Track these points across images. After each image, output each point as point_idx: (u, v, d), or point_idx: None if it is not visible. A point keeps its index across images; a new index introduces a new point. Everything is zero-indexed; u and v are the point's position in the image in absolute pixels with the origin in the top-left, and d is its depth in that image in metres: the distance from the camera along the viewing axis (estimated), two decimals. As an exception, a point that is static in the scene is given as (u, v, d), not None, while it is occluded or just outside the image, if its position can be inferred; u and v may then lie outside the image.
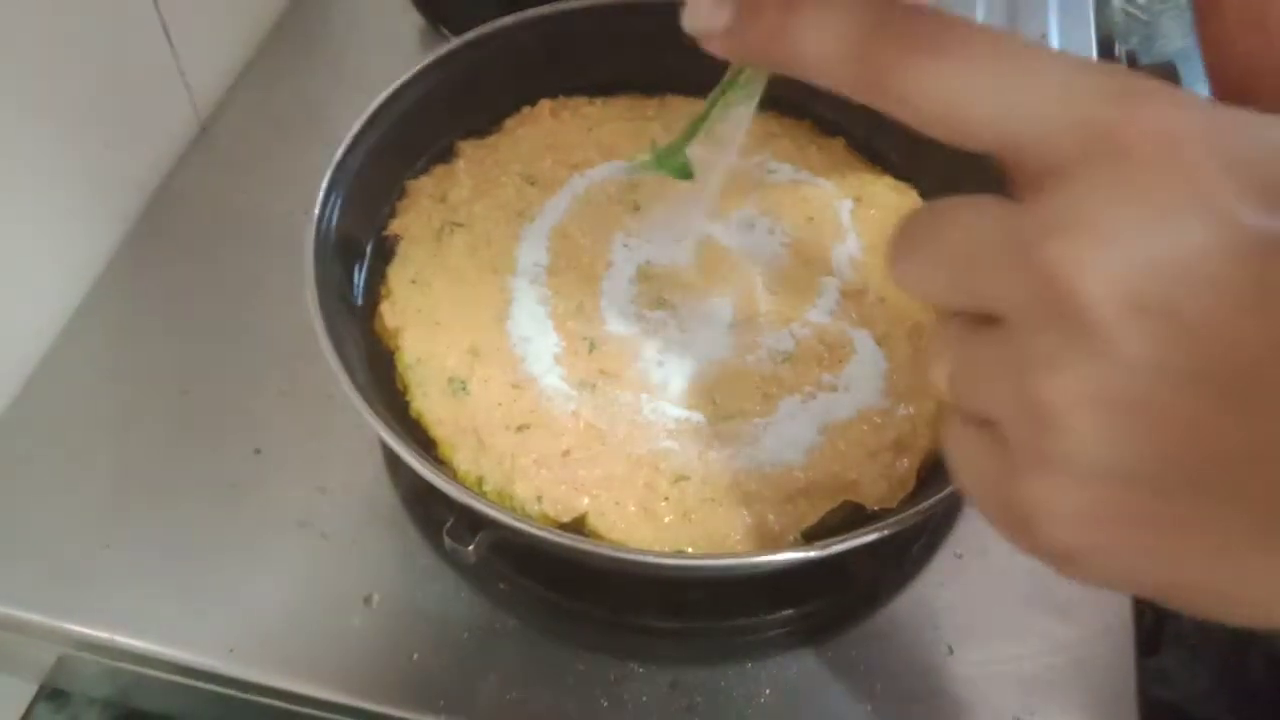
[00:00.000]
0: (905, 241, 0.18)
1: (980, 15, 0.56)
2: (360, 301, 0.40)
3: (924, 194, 0.43)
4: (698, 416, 0.36)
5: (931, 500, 0.31)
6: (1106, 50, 0.52)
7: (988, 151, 0.16)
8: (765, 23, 0.18)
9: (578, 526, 0.34)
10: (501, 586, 0.36)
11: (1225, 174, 0.14)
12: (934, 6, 0.18)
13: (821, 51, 0.17)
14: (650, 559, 0.32)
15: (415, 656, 0.35)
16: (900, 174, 0.44)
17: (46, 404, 0.41)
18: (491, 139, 0.45)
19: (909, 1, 0.18)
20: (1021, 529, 0.17)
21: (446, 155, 0.44)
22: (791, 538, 0.34)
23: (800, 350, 0.38)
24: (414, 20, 0.55)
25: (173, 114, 0.49)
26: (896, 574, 0.37)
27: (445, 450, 0.36)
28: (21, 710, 0.41)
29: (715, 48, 0.20)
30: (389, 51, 0.54)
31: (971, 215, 0.16)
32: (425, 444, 0.36)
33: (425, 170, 0.44)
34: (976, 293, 0.17)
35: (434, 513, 0.37)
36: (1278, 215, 0.14)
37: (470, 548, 0.33)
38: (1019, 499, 0.17)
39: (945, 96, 0.16)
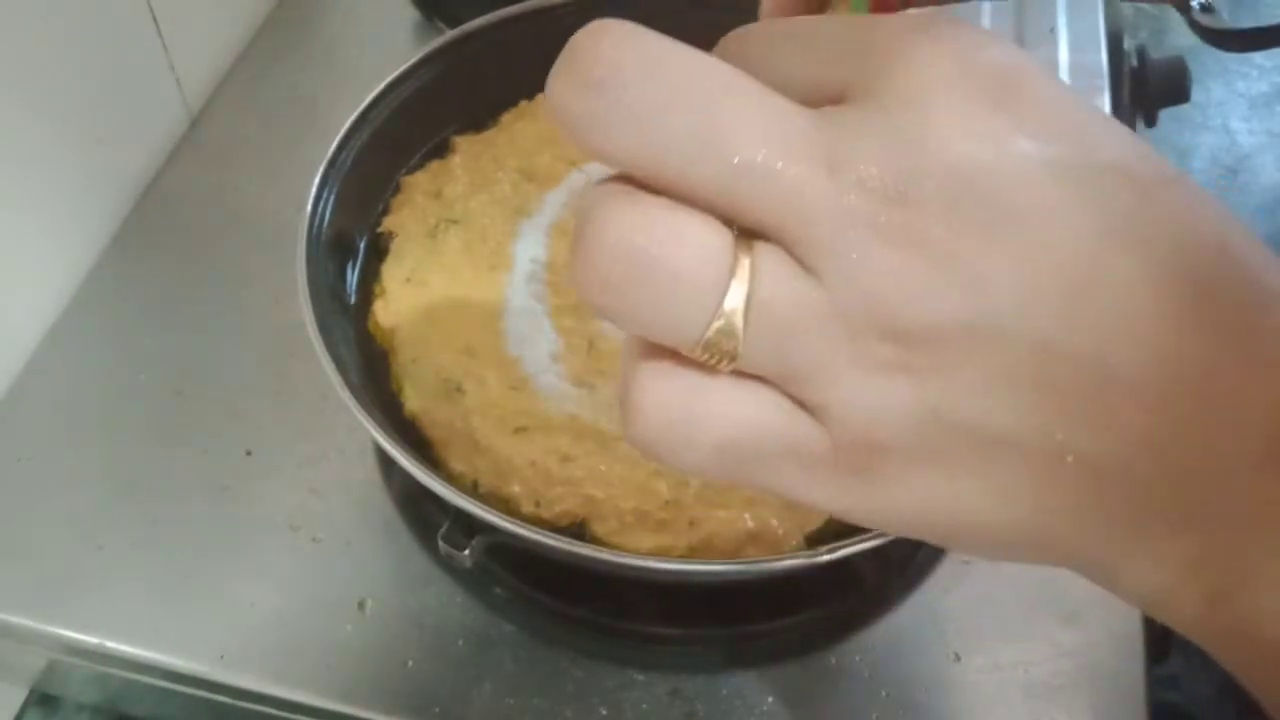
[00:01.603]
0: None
1: (986, 7, 0.55)
2: (354, 300, 0.40)
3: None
4: (698, 417, 0.36)
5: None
6: (1115, 44, 0.52)
7: None
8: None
9: (576, 531, 0.34)
10: (498, 592, 0.36)
11: (992, 105, 0.14)
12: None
13: None
14: (650, 564, 0.31)
15: (409, 663, 0.34)
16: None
17: (35, 404, 0.41)
18: (488, 134, 0.44)
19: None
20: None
21: (442, 150, 0.44)
22: (795, 542, 0.33)
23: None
24: (409, 13, 0.54)
25: (163, 109, 0.49)
26: (902, 579, 0.36)
27: (440, 452, 0.35)
28: (11, 715, 0.40)
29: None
30: (383, 45, 0.53)
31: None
32: (420, 446, 0.35)
33: (420, 166, 0.43)
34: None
35: (429, 516, 0.37)
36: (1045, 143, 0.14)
37: (466, 552, 0.32)
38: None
39: (752, 68, 0.15)
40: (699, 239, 0.14)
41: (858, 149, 0.13)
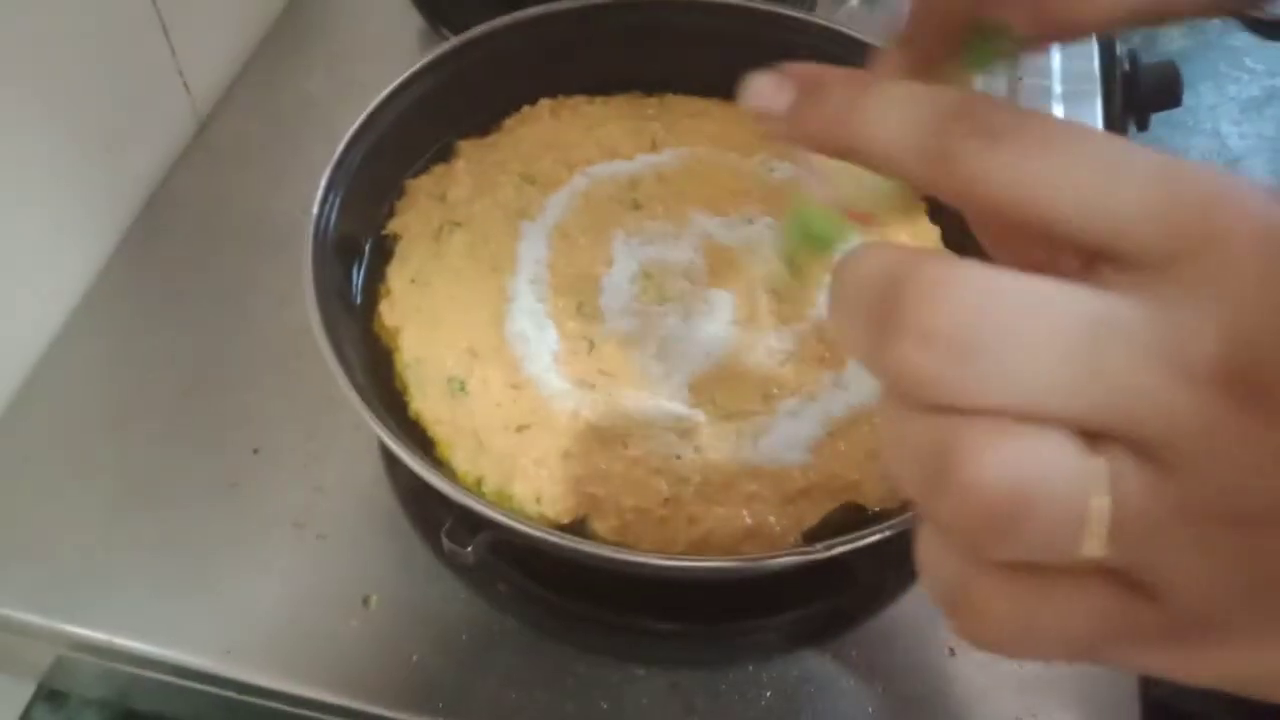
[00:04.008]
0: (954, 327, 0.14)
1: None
2: (359, 301, 0.40)
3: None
4: (698, 416, 0.36)
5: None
6: (1108, 48, 0.52)
7: (1059, 241, 0.15)
8: (829, 107, 0.18)
9: (578, 527, 0.34)
10: (501, 588, 0.36)
11: None
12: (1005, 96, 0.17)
13: (889, 138, 0.16)
14: (651, 560, 0.32)
15: (414, 658, 0.35)
16: (901, 173, 0.44)
17: (44, 404, 0.41)
18: (491, 138, 0.45)
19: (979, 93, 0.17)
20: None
21: (446, 154, 0.44)
22: (793, 539, 0.34)
23: (801, 349, 0.38)
24: (413, 20, 0.55)
25: (171, 113, 0.49)
26: (898, 575, 0.36)
27: (444, 450, 0.36)
28: (19, 711, 0.41)
29: (776, 130, 0.19)
30: (388, 51, 0.54)
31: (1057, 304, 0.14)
32: (424, 444, 0.36)
33: (424, 169, 0.44)
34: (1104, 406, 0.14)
35: (433, 514, 0.37)
36: None
37: (469, 549, 0.33)
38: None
39: (1024, 185, 0.15)
40: (1070, 465, 0.14)
41: (1202, 347, 0.14)
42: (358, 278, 0.41)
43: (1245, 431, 0.14)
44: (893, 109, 0.16)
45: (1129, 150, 0.15)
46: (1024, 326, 0.14)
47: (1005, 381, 0.14)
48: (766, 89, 0.19)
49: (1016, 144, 0.15)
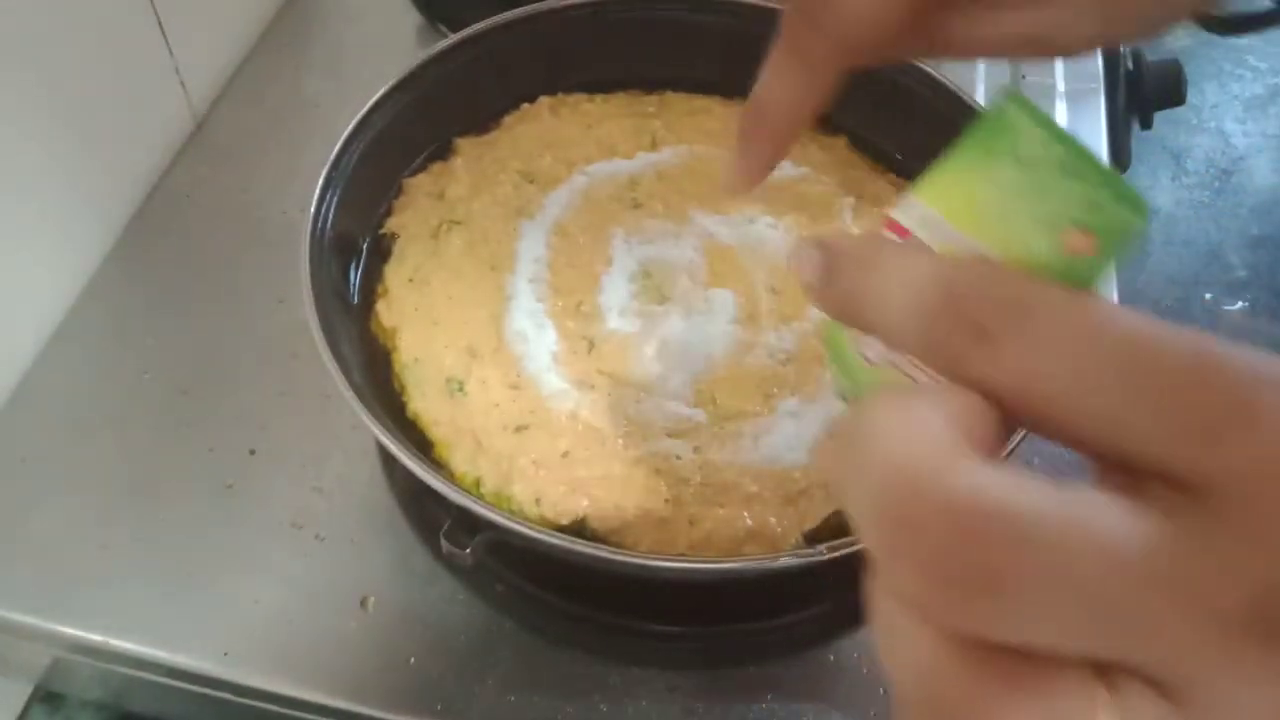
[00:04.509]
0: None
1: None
2: (357, 300, 0.40)
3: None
4: (698, 416, 0.36)
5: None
6: (1111, 47, 0.52)
7: (1081, 450, 0.14)
8: (841, 287, 0.17)
9: (577, 529, 0.34)
10: (499, 589, 0.36)
11: None
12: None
13: (895, 326, 0.16)
14: (650, 562, 0.32)
15: (412, 660, 0.34)
16: (902, 172, 0.44)
17: (40, 404, 0.41)
18: (490, 136, 0.45)
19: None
20: None
21: (444, 153, 0.44)
22: (793, 540, 0.34)
23: (802, 350, 0.38)
24: (411, 17, 0.54)
25: (168, 111, 0.49)
26: (899, 576, 0.36)
27: (443, 451, 0.36)
28: (16, 712, 0.41)
29: (814, 300, 0.19)
30: (386, 48, 0.54)
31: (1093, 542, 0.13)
32: (422, 445, 0.36)
33: (423, 168, 0.44)
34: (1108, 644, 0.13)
35: (431, 514, 0.37)
36: None
37: (468, 550, 0.32)
38: None
39: (1033, 394, 0.14)
40: (1090, 709, 0.13)
41: (1231, 586, 0.13)
42: (355, 277, 0.41)
43: (1264, 677, 0.13)
44: (892, 293, 0.15)
45: (1149, 343, 0.13)
46: (1054, 567, 0.13)
47: (1022, 620, 0.13)
48: (803, 261, 0.18)
49: (1017, 342, 0.14)
